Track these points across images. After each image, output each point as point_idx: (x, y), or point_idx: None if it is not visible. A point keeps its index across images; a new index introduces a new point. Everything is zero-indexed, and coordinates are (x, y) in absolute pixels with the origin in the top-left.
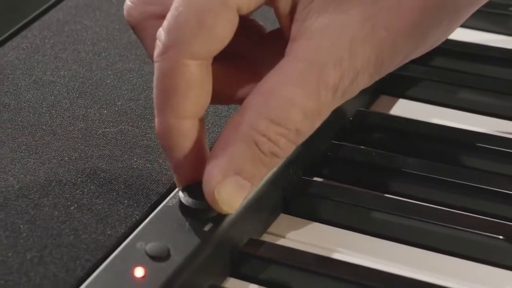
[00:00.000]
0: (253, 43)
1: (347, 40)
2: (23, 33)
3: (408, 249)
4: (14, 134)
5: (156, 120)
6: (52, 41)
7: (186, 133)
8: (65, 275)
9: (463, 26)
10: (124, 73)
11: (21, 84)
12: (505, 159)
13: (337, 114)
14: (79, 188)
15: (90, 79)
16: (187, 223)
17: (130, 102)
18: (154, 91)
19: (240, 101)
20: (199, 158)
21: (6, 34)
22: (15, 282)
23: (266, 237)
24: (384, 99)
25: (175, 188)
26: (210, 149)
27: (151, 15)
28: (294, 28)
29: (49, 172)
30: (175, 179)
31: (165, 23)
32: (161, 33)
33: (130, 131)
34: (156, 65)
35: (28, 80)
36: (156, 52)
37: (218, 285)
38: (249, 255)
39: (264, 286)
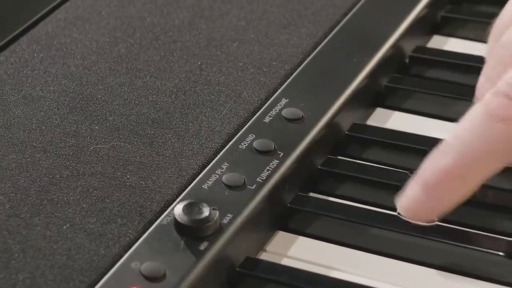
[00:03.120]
0: None
1: None
2: (11, 47)
3: (407, 266)
4: (4, 152)
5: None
6: (41, 55)
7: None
8: None
9: (459, 37)
10: (115, 88)
11: (10, 99)
12: (504, 173)
13: (333, 127)
14: (71, 207)
15: (80, 94)
16: (182, 242)
17: (122, 118)
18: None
19: None
20: None
21: None
22: None
23: (263, 255)
24: (380, 112)
25: (169, 206)
26: None
27: None
28: None
29: (40, 190)
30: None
31: None
32: None
33: (122, 147)
34: (498, 124)
35: (17, 96)
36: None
37: None
38: (246, 274)
39: None
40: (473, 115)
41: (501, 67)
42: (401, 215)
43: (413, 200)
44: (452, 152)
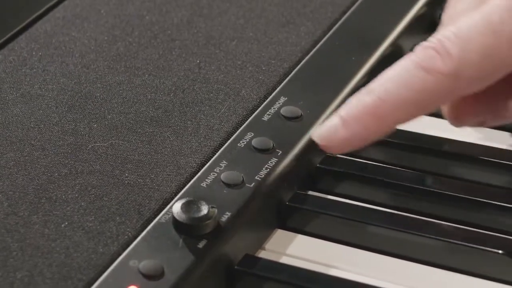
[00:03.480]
0: None
1: None
2: (10, 45)
3: (405, 263)
4: (2, 150)
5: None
6: (40, 54)
7: None
8: None
9: None
10: (114, 86)
11: (8, 98)
12: (504, 171)
13: None
14: (70, 205)
15: (79, 92)
16: (181, 240)
17: (121, 116)
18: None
19: None
20: None
21: None
22: None
23: (261, 253)
24: None
25: (168, 204)
26: None
27: None
28: None
29: (38, 188)
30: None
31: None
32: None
33: (121, 146)
34: (422, 73)
35: (16, 94)
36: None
37: None
38: (245, 272)
39: None
40: (402, 63)
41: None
42: (315, 141)
43: (329, 129)
44: (375, 92)
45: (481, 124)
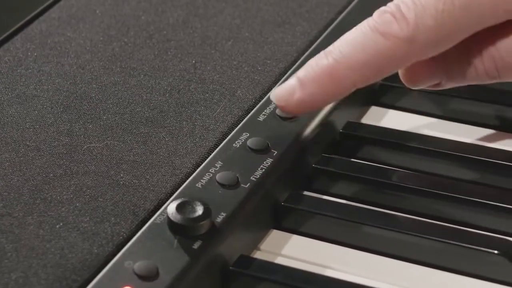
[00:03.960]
0: None
1: None
2: (5, 46)
3: (401, 264)
4: None
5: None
6: (35, 54)
7: None
8: None
9: None
10: (109, 86)
11: (3, 98)
12: (500, 171)
13: (327, 126)
14: (65, 206)
15: (74, 93)
16: (175, 241)
17: (116, 116)
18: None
19: None
20: None
21: None
22: None
23: (257, 254)
24: (374, 110)
25: (163, 205)
26: None
27: None
28: None
29: (33, 189)
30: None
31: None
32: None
33: (116, 146)
34: (378, 37)
35: (11, 95)
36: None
37: None
38: (240, 273)
39: None
40: (360, 26)
41: None
42: (273, 102)
43: (286, 89)
44: (332, 55)
45: (436, 86)
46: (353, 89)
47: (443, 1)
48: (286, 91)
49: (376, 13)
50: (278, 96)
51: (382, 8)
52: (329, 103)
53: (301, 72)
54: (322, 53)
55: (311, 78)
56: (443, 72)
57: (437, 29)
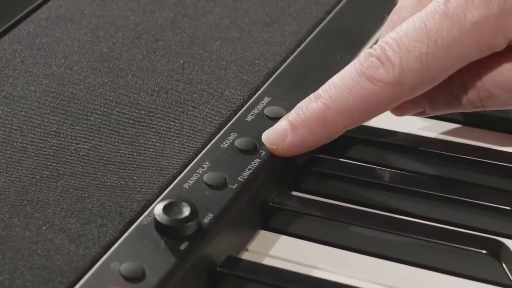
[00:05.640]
0: None
1: None
2: None
3: (390, 264)
4: None
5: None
6: (23, 55)
7: None
8: None
9: None
10: (97, 87)
11: None
12: (488, 170)
13: None
14: (51, 207)
15: (62, 93)
16: (162, 242)
17: (103, 117)
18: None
19: None
20: None
21: None
22: None
23: (244, 255)
24: None
25: (150, 206)
26: None
27: None
28: None
29: (20, 190)
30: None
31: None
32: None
33: (103, 147)
34: (365, 81)
35: None
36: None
37: None
38: (227, 274)
39: None
40: (348, 70)
41: (390, 28)
42: (264, 143)
43: (277, 132)
44: (321, 99)
45: (420, 114)
46: (343, 131)
47: (427, 43)
48: (278, 134)
49: (362, 56)
50: (270, 139)
51: (368, 51)
52: (320, 145)
53: (291, 116)
54: (311, 96)
55: (301, 122)
56: (427, 102)
57: (422, 71)
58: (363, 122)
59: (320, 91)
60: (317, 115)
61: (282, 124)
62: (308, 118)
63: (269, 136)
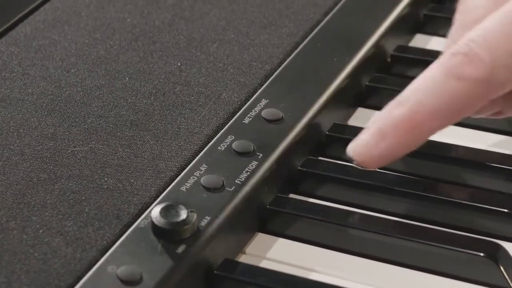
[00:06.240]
0: None
1: None
2: None
3: (387, 267)
4: None
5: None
6: (20, 57)
7: None
8: None
9: (442, 36)
10: (94, 90)
11: None
12: (485, 172)
13: (313, 128)
14: (48, 210)
15: (59, 96)
16: (159, 245)
17: (101, 120)
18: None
19: None
20: None
21: None
22: None
23: (242, 257)
24: (361, 112)
25: (147, 209)
26: None
27: None
28: None
29: (17, 193)
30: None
31: None
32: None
33: (100, 150)
34: (453, 81)
35: None
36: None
37: None
38: (224, 277)
39: None
40: (431, 71)
41: (463, 29)
42: (351, 158)
43: (364, 145)
44: (408, 104)
45: (497, 114)
46: (430, 136)
47: None
48: (365, 147)
49: (446, 55)
50: (357, 152)
51: (450, 51)
52: (407, 153)
53: (377, 125)
54: (393, 103)
55: (389, 131)
56: (504, 100)
57: None
58: (451, 124)
59: (403, 97)
60: (405, 121)
61: (367, 135)
62: (396, 126)
63: (356, 148)
